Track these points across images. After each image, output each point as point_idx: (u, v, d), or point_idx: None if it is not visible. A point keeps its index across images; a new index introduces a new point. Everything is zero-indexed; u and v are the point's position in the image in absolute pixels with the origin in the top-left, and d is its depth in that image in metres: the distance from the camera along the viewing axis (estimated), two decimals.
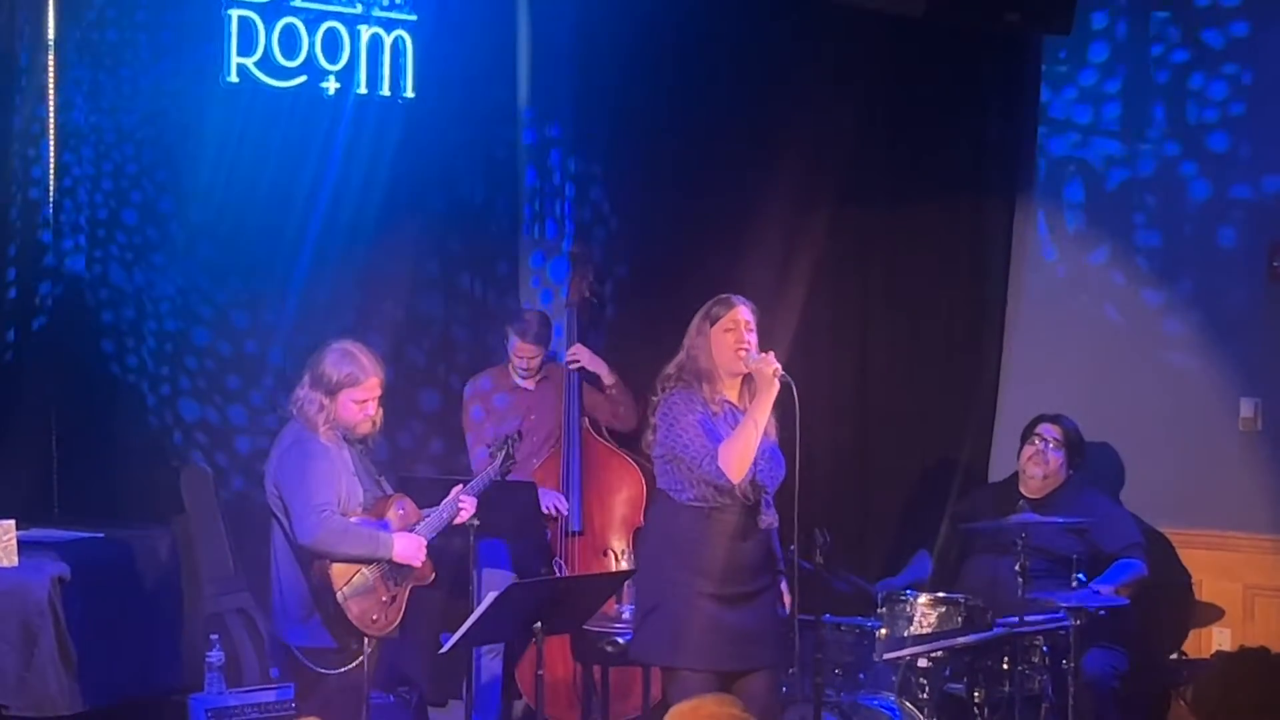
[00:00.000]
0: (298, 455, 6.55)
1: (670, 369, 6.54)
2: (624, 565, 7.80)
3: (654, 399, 6.56)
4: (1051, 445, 7.57)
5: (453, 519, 6.81)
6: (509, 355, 8.21)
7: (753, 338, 6.47)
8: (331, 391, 6.57)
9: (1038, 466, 7.57)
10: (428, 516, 6.76)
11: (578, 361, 8.20)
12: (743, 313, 6.48)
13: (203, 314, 8.25)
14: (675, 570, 6.43)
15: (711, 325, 6.49)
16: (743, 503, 6.41)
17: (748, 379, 6.49)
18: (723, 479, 6.35)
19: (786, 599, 6.65)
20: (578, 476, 8.09)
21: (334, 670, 6.54)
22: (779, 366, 6.34)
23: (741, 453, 6.34)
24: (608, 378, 8.23)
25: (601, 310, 8.55)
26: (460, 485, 6.91)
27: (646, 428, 6.60)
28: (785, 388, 6.33)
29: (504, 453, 7.03)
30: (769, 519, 6.49)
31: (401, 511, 6.70)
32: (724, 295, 6.56)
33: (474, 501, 6.87)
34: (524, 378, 8.21)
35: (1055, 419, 7.65)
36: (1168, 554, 7.97)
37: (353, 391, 6.58)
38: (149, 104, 8.02)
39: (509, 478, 7.17)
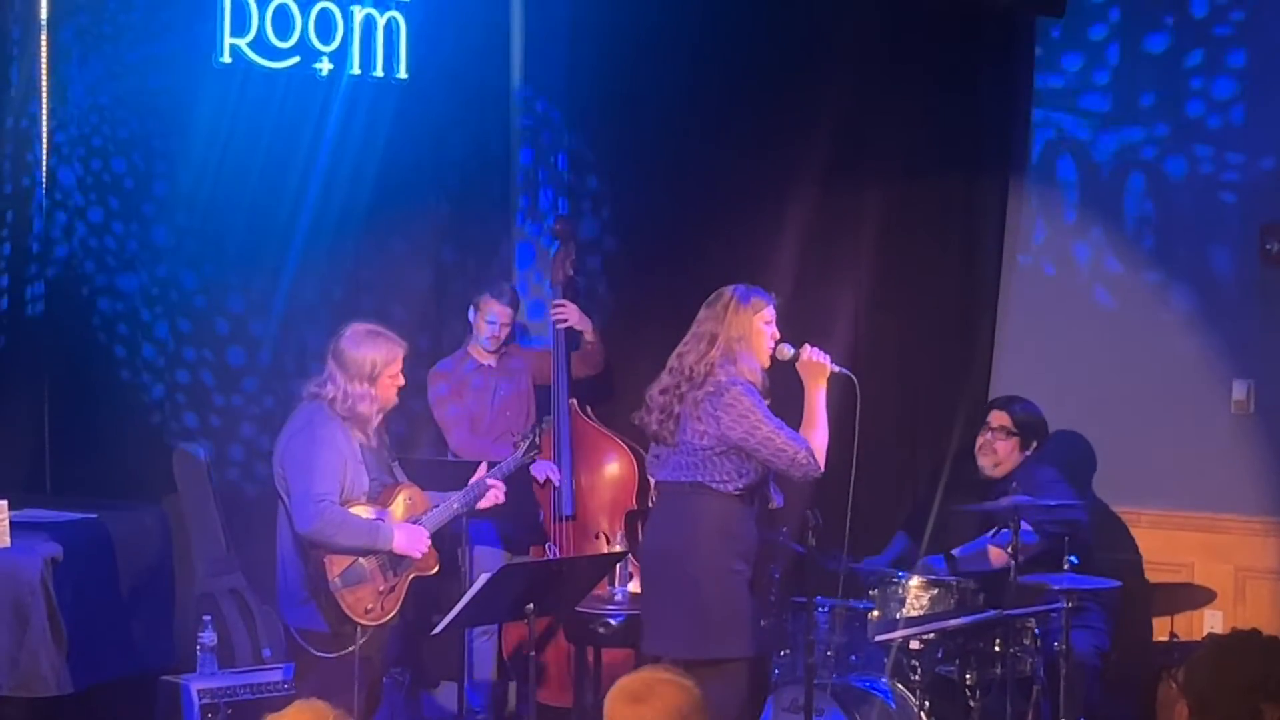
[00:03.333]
0: (306, 440, 6.52)
1: (713, 355, 6.42)
2: (617, 547, 7.80)
3: (696, 392, 6.41)
4: (1000, 434, 7.54)
5: (474, 505, 6.80)
6: (476, 326, 8.14)
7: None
8: (375, 378, 6.54)
9: (986, 457, 7.55)
10: (436, 506, 6.74)
11: (565, 319, 8.16)
12: (772, 310, 6.55)
13: (196, 295, 8.25)
14: (729, 560, 6.42)
15: (753, 313, 6.49)
16: (760, 488, 6.47)
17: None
18: (817, 471, 6.42)
19: None
20: (568, 460, 8.08)
21: (329, 654, 6.53)
22: (829, 358, 6.47)
23: (825, 445, 6.46)
24: (590, 334, 8.24)
25: (580, 288, 8.50)
26: (484, 467, 6.90)
27: (677, 419, 6.43)
28: (848, 382, 6.47)
29: (529, 442, 7.04)
30: (779, 499, 6.58)
31: (409, 501, 6.69)
32: (756, 288, 6.55)
33: (503, 487, 6.88)
34: (487, 349, 8.16)
35: (1006, 404, 7.62)
36: (1158, 534, 7.99)
37: (391, 368, 6.57)
38: (142, 84, 8.00)
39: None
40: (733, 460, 6.38)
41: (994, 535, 7.18)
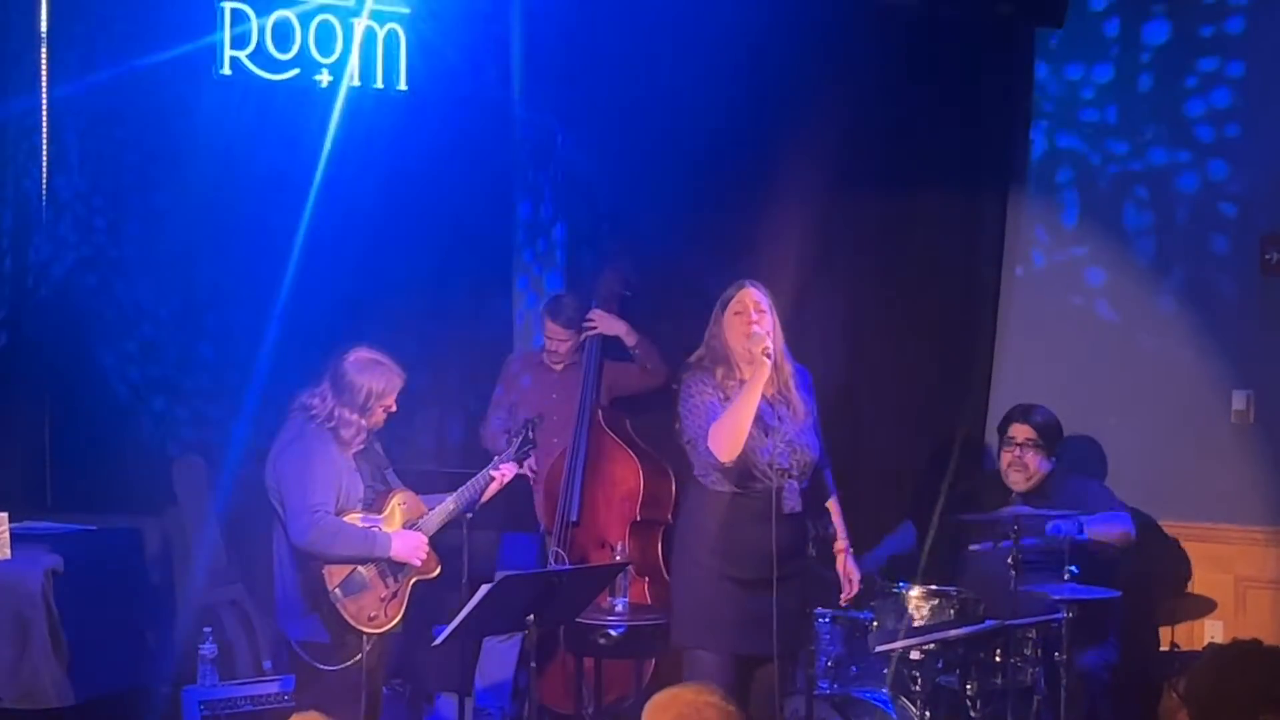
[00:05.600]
0: (297, 454, 6.54)
1: (692, 357, 6.61)
2: (619, 558, 7.79)
3: (674, 388, 6.64)
4: (1026, 447, 7.49)
5: (476, 501, 6.79)
6: (544, 340, 8.29)
7: (766, 319, 6.53)
8: (368, 408, 6.56)
9: (1018, 472, 7.49)
10: (433, 509, 6.75)
11: (594, 327, 8.20)
12: (751, 294, 6.55)
13: (194, 307, 8.25)
14: (700, 553, 6.51)
15: (723, 310, 6.56)
16: (765, 486, 6.43)
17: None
18: (711, 458, 6.42)
19: (852, 576, 6.75)
20: (581, 466, 8.08)
21: (333, 666, 6.52)
22: (768, 345, 6.41)
23: (730, 432, 6.38)
24: (629, 336, 8.23)
25: (632, 303, 8.50)
26: (497, 458, 6.91)
27: (674, 418, 6.65)
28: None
29: (521, 437, 7.01)
30: (792, 504, 6.49)
31: (405, 506, 6.69)
32: (739, 280, 6.62)
33: (513, 467, 6.89)
34: (553, 363, 8.24)
35: (1025, 415, 7.53)
36: (1158, 544, 7.99)
37: (385, 400, 6.61)
38: (142, 96, 8.00)
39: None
40: (695, 455, 6.49)
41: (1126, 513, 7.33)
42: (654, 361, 8.23)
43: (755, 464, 6.47)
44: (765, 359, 6.39)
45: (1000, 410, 8.01)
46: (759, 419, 6.48)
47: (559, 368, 8.29)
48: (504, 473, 6.86)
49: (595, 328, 8.21)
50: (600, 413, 8.18)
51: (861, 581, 6.99)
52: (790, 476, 6.53)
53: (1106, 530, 7.22)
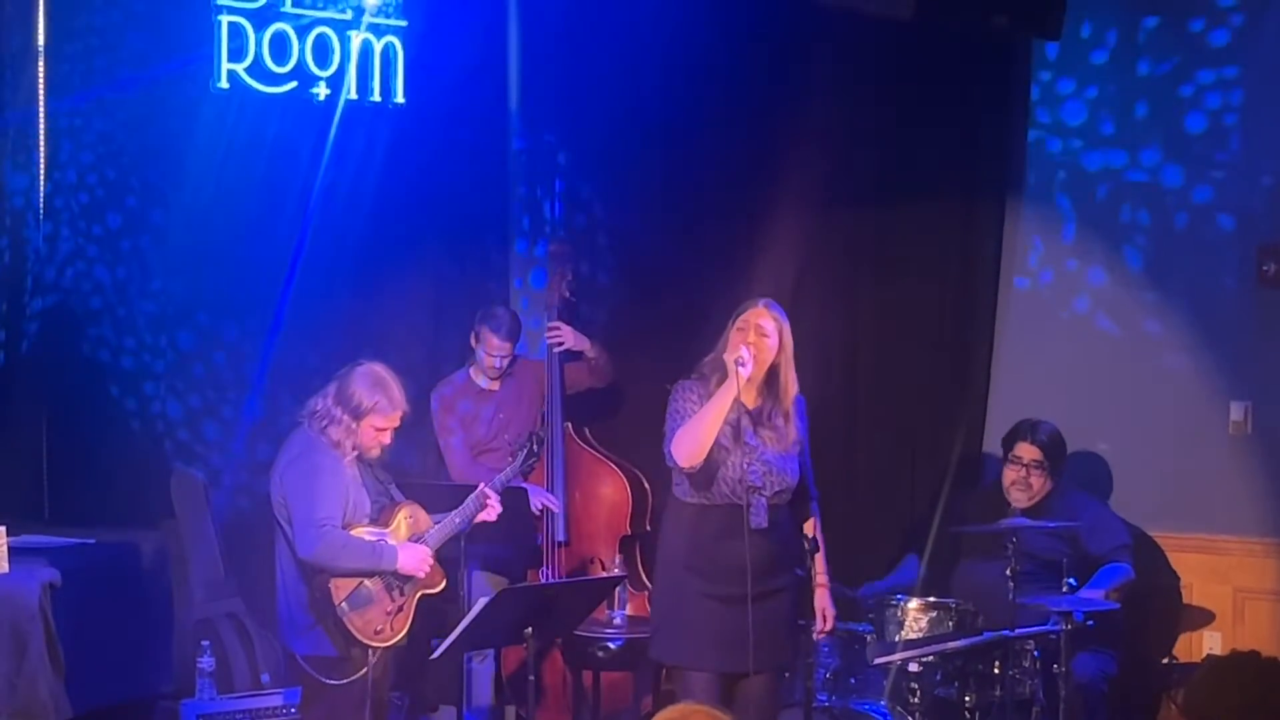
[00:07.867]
0: (304, 466, 6.52)
1: (702, 361, 6.51)
2: (613, 572, 7.78)
3: (667, 387, 6.56)
4: (1031, 467, 7.48)
5: (472, 519, 6.77)
6: (477, 354, 8.09)
7: (768, 342, 6.40)
8: (357, 416, 6.54)
9: (1021, 491, 7.47)
10: (438, 523, 6.74)
11: (560, 341, 8.13)
12: (757, 315, 6.43)
13: (192, 320, 8.24)
14: (676, 568, 6.46)
15: (732, 323, 6.45)
16: (731, 500, 6.36)
17: (770, 382, 6.47)
18: (671, 461, 6.37)
19: (826, 613, 6.64)
20: (561, 485, 8.06)
21: (339, 680, 6.51)
22: (743, 354, 6.29)
23: (691, 436, 6.30)
24: (590, 351, 8.19)
25: (577, 308, 8.47)
26: (483, 484, 6.87)
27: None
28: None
29: (526, 450, 6.99)
30: (758, 520, 6.37)
31: (411, 520, 6.68)
32: (757, 299, 6.53)
33: (498, 499, 6.84)
34: (490, 378, 8.13)
35: (1031, 433, 7.50)
36: (1156, 557, 7.98)
37: (376, 419, 6.57)
38: (139, 110, 8.01)
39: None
40: (668, 453, 6.44)
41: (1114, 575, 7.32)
42: (603, 362, 8.20)
43: (723, 476, 6.36)
44: (739, 370, 6.26)
45: (997, 422, 8.02)
46: (736, 434, 6.37)
47: (496, 384, 8.19)
48: (491, 508, 6.83)
49: (562, 343, 8.14)
50: (570, 426, 8.15)
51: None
52: (760, 494, 6.40)
53: (1107, 592, 7.22)
